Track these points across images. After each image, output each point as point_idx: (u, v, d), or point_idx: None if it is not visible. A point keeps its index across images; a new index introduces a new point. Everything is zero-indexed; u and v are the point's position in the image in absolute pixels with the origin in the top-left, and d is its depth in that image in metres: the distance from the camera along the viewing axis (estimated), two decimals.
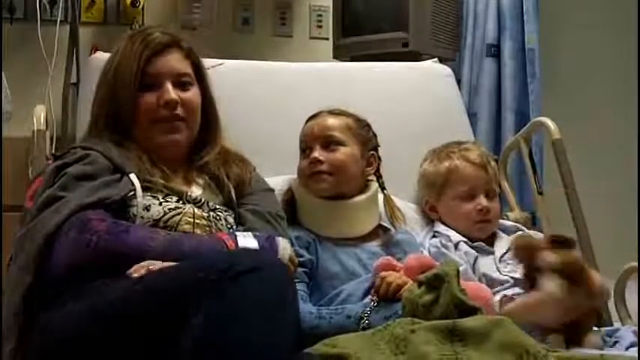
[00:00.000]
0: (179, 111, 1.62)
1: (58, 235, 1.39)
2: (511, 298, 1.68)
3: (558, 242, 1.60)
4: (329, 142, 1.79)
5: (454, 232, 1.91)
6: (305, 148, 1.82)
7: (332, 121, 1.82)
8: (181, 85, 1.64)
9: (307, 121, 1.86)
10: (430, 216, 2.01)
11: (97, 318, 1.27)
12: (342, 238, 1.78)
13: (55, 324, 1.32)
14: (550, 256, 1.56)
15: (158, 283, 1.25)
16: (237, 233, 1.49)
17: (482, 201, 1.91)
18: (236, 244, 1.44)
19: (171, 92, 1.61)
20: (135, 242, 1.39)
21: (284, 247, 1.49)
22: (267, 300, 1.17)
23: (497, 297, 1.71)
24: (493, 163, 2.00)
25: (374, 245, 1.81)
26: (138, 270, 1.32)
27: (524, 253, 1.62)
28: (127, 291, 1.27)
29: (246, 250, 1.42)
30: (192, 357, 1.13)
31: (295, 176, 1.86)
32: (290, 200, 1.84)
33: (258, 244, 1.45)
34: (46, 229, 1.40)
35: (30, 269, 1.39)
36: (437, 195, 1.97)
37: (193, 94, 1.66)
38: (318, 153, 1.78)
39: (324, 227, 1.78)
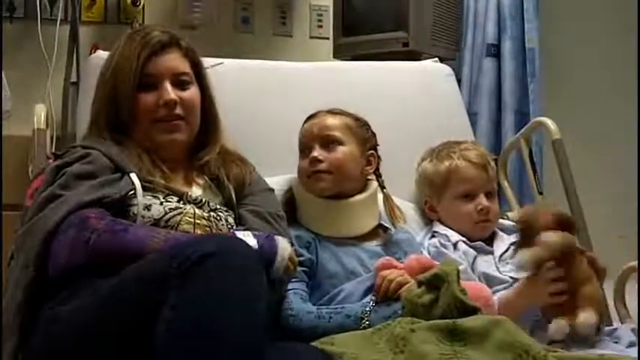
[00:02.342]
0: (178, 110, 1.62)
1: (57, 233, 1.39)
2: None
3: (562, 224, 1.67)
4: (328, 142, 1.79)
5: (452, 232, 1.91)
6: (304, 148, 1.82)
7: (331, 120, 1.82)
8: (180, 84, 1.64)
9: (306, 121, 1.86)
10: (429, 216, 2.01)
11: (93, 317, 1.27)
12: (342, 237, 1.78)
13: (55, 321, 1.32)
14: (550, 237, 1.63)
15: (134, 277, 1.26)
16: (237, 233, 1.49)
17: (483, 201, 1.91)
18: None
19: (171, 92, 1.61)
20: (133, 241, 1.39)
21: (284, 246, 1.48)
22: (230, 284, 1.16)
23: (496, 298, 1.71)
24: (492, 163, 2.00)
25: (374, 245, 1.81)
26: None
27: (527, 229, 1.68)
28: (113, 287, 1.28)
29: (209, 235, 1.42)
30: (165, 348, 1.13)
31: (295, 175, 1.86)
32: (290, 200, 1.84)
33: (258, 243, 1.45)
34: (46, 227, 1.40)
35: (30, 267, 1.39)
36: (437, 195, 1.97)
37: (192, 93, 1.66)
38: (317, 152, 1.78)
39: (324, 226, 1.78)
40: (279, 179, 1.89)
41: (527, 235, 1.68)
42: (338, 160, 1.78)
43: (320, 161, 1.77)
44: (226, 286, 1.16)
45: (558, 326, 1.59)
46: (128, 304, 1.23)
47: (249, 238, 1.45)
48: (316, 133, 1.81)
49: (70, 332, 1.28)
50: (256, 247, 1.43)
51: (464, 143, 2.01)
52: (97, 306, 1.27)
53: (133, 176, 1.52)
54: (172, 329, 1.13)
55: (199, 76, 1.70)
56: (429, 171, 1.98)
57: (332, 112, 1.85)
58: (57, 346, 1.31)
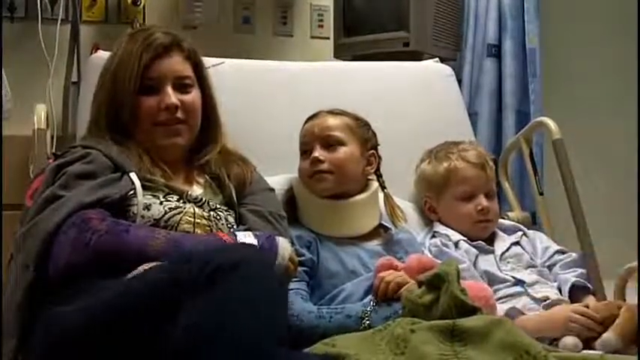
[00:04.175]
0: (179, 114, 1.62)
1: (58, 233, 1.39)
2: (520, 312, 1.69)
3: None
4: (329, 142, 1.80)
5: (453, 232, 1.91)
6: (305, 149, 1.82)
7: (332, 120, 1.82)
8: (182, 87, 1.64)
9: (306, 121, 1.86)
10: (429, 217, 2.01)
11: (91, 317, 1.27)
12: (343, 237, 1.78)
13: (55, 322, 1.32)
14: None
15: (149, 281, 1.25)
16: (237, 233, 1.49)
17: (483, 201, 1.91)
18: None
19: (172, 96, 1.61)
20: (135, 242, 1.39)
21: (284, 246, 1.48)
22: (251, 294, 1.17)
23: (505, 306, 1.71)
24: (491, 163, 2.00)
25: (375, 244, 1.81)
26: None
27: None
28: (121, 291, 1.27)
29: (231, 245, 1.42)
30: (183, 353, 1.13)
31: (296, 175, 1.86)
32: (291, 199, 1.84)
33: (258, 243, 1.45)
34: (47, 227, 1.40)
35: (31, 267, 1.39)
36: (436, 196, 1.97)
37: (194, 96, 1.66)
38: (318, 153, 1.78)
39: (325, 226, 1.78)
40: (279, 179, 1.89)
41: None
42: (339, 160, 1.78)
43: (321, 161, 1.77)
44: (249, 294, 1.16)
45: (570, 344, 1.58)
46: (139, 308, 1.23)
47: (249, 239, 1.46)
48: (317, 133, 1.81)
49: (71, 332, 1.28)
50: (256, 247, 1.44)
51: (462, 144, 2.01)
52: (104, 307, 1.26)
53: (133, 176, 1.52)
54: (191, 334, 1.13)
55: (200, 77, 1.70)
56: (427, 172, 1.98)
57: (332, 112, 1.85)
58: (57, 347, 1.30)
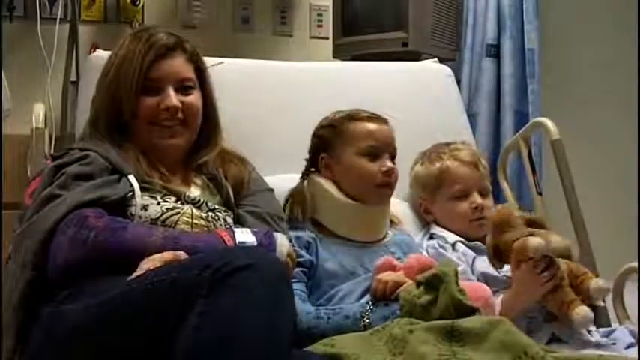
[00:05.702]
0: (179, 115, 1.62)
1: (55, 232, 1.39)
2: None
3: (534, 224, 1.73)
4: (394, 156, 1.79)
5: (449, 233, 1.91)
6: (375, 152, 1.77)
7: (391, 131, 1.81)
8: (183, 89, 1.64)
9: (366, 119, 1.81)
10: (425, 218, 2.01)
11: (98, 316, 1.26)
12: (369, 241, 1.78)
13: (55, 321, 1.32)
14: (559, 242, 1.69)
15: (155, 282, 1.25)
16: (235, 229, 1.49)
17: (477, 199, 1.91)
18: (234, 240, 1.44)
19: (173, 98, 1.61)
20: (132, 239, 1.39)
21: (282, 242, 1.48)
22: (262, 296, 1.16)
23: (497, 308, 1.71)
24: (484, 161, 2.00)
25: (374, 246, 1.80)
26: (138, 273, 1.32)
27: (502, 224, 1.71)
28: (126, 289, 1.27)
29: (242, 247, 1.42)
30: (191, 354, 1.13)
31: (298, 175, 1.84)
32: (303, 199, 1.81)
33: (256, 239, 1.45)
34: (45, 226, 1.40)
35: (29, 266, 1.39)
36: (431, 196, 1.97)
37: (195, 97, 1.66)
38: (391, 164, 1.77)
39: (356, 231, 1.77)
40: (279, 179, 1.88)
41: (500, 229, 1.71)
42: (397, 176, 1.79)
43: (391, 174, 1.77)
44: (256, 297, 1.16)
45: (584, 312, 1.60)
46: (148, 307, 1.22)
47: (247, 235, 1.45)
48: (389, 142, 1.79)
49: (78, 331, 1.28)
50: (255, 243, 1.43)
51: (454, 144, 2.01)
52: (111, 306, 1.26)
53: (131, 178, 1.52)
54: (199, 335, 1.13)
55: (202, 79, 1.69)
56: (421, 174, 1.99)
57: (380, 117, 1.82)
58: (58, 346, 1.30)
